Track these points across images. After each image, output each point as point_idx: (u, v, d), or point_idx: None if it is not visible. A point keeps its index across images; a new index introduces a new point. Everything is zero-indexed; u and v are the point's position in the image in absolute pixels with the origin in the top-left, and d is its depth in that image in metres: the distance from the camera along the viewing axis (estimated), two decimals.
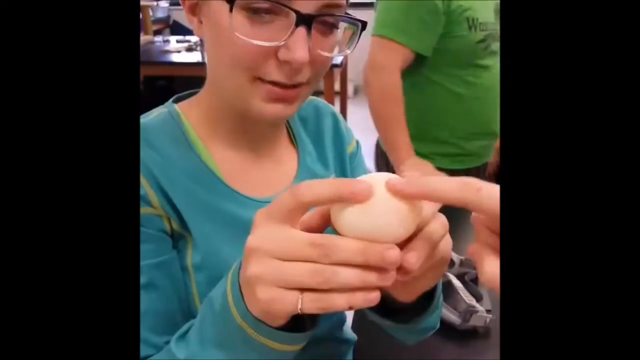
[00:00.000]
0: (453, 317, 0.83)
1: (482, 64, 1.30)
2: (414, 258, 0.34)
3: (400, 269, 0.34)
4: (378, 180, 0.34)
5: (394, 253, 0.32)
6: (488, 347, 0.82)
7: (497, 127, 1.36)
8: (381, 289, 0.42)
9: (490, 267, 0.33)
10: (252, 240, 0.35)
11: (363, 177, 0.35)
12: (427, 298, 0.50)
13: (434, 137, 1.36)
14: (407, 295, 0.45)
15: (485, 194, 0.32)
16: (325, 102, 0.71)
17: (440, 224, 0.37)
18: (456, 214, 0.41)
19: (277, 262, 0.34)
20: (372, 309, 0.50)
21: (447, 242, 0.39)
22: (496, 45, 1.31)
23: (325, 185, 0.33)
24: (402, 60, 1.24)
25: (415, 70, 1.30)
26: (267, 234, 0.35)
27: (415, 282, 0.42)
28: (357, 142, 0.72)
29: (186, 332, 0.45)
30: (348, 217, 0.33)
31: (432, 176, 0.34)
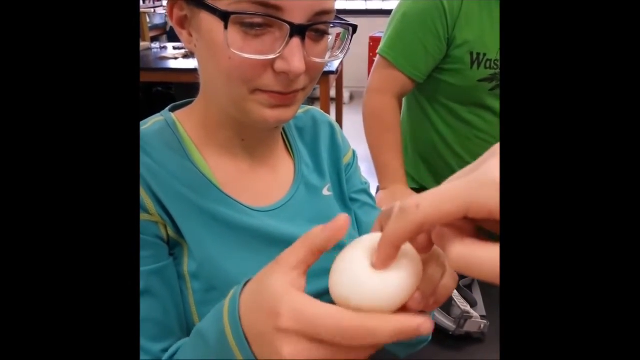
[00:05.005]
0: (447, 322, 0.84)
1: (486, 105, 1.19)
2: (419, 297, 0.33)
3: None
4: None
5: (428, 325, 0.31)
6: (482, 353, 0.83)
7: None
8: None
9: (456, 249, 0.29)
10: (285, 320, 0.32)
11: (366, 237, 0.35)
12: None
13: (429, 167, 1.32)
14: None
15: (426, 205, 0.30)
16: (322, 112, 0.72)
17: (440, 265, 0.36)
18: None
19: (313, 345, 0.32)
20: None
21: (450, 282, 0.37)
22: None
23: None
24: (399, 86, 1.17)
25: (413, 95, 1.26)
26: (295, 312, 0.32)
27: None
28: (354, 152, 0.73)
29: (174, 353, 0.44)
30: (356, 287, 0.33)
31: (387, 224, 0.32)
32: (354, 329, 0.31)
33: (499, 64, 1.15)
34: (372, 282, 0.32)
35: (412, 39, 1.13)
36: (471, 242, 0.29)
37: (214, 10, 0.46)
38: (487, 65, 1.15)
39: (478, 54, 1.14)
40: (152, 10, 3.84)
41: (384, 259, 0.32)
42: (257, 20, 0.46)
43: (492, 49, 1.14)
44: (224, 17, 0.45)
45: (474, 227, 0.31)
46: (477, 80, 1.15)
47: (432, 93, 1.23)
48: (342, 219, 0.34)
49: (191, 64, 2.87)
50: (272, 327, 0.33)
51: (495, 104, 1.19)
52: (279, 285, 0.34)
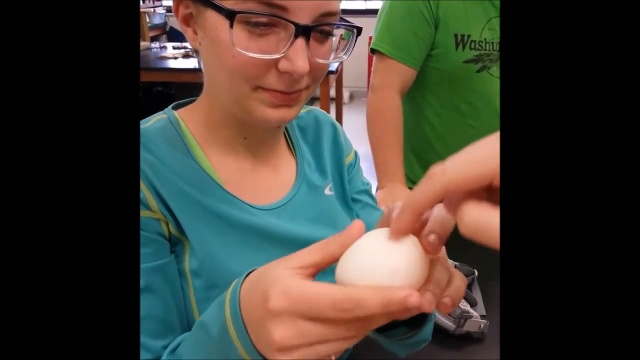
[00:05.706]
0: (447, 322, 0.84)
1: (474, 88, 1.19)
2: (430, 297, 0.33)
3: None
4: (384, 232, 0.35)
5: (415, 298, 0.31)
6: (482, 353, 0.83)
7: None
8: None
9: (470, 211, 0.29)
10: (274, 301, 0.33)
11: (377, 231, 0.35)
12: (420, 314, 0.49)
13: (422, 164, 1.31)
14: None
15: (453, 169, 0.29)
16: (324, 112, 0.72)
17: (445, 267, 0.36)
18: None
19: (305, 324, 0.33)
20: None
21: (460, 283, 0.37)
22: (497, 69, 1.17)
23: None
24: (399, 79, 1.17)
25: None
26: (283, 292, 0.33)
27: None
28: (356, 153, 0.73)
29: (176, 347, 0.45)
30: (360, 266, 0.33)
31: (408, 195, 0.32)
32: (342, 300, 0.31)
33: (483, 44, 1.16)
34: (375, 262, 0.33)
35: (401, 27, 1.15)
36: (486, 207, 0.29)
37: (219, 9, 0.46)
38: (472, 47, 1.15)
39: (462, 35, 1.14)
40: (152, 10, 3.85)
41: (404, 225, 0.32)
42: (263, 19, 0.46)
43: (476, 30, 1.15)
44: (230, 15, 0.45)
45: (490, 199, 0.31)
46: (463, 62, 1.16)
47: (422, 82, 1.23)
48: (357, 226, 0.35)
49: (191, 63, 2.87)
50: (264, 311, 0.33)
51: (483, 87, 1.19)
52: (276, 274, 0.34)
